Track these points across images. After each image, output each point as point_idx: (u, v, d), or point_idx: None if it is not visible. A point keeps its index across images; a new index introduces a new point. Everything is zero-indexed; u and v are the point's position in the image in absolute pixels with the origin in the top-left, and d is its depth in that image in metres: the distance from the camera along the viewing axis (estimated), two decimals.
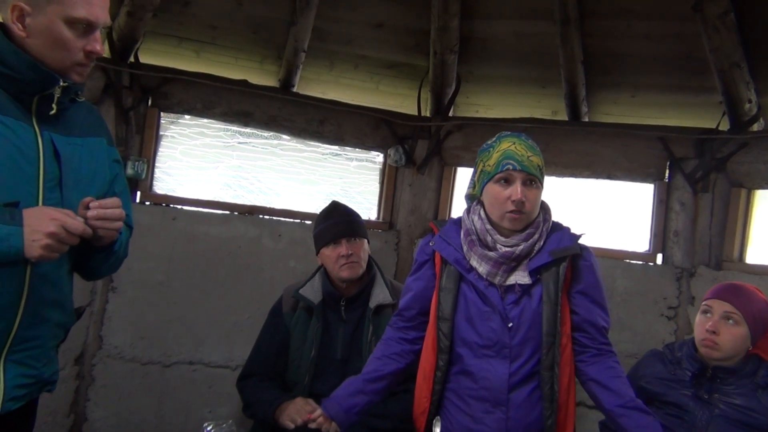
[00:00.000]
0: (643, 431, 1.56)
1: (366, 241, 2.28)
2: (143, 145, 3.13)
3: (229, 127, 3.33)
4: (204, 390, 3.11)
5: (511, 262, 1.65)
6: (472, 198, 1.78)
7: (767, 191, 3.05)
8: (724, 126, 3.06)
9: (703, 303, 1.98)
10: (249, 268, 3.18)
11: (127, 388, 3.01)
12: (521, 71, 3.44)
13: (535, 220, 1.69)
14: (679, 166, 3.10)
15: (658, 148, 3.14)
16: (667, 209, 3.14)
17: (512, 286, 1.65)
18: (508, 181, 1.64)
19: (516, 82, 3.49)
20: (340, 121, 3.42)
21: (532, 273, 1.65)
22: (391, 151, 3.48)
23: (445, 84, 3.44)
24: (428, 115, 3.55)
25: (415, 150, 3.51)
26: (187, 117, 3.25)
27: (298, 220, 3.34)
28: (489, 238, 1.67)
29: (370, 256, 2.30)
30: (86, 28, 1.34)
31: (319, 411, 1.78)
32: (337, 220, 2.26)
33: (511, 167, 1.63)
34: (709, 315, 1.93)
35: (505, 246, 1.65)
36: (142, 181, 3.10)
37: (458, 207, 3.57)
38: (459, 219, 1.78)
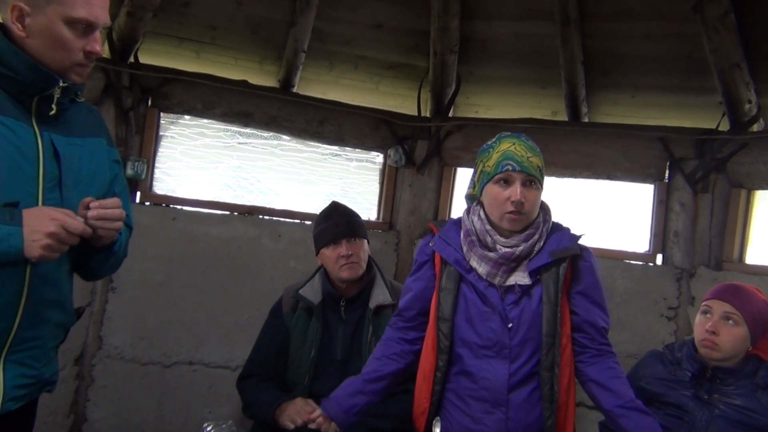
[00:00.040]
0: None
1: (366, 241, 2.28)
2: (143, 145, 3.13)
3: (229, 128, 3.33)
4: (204, 390, 3.10)
5: (511, 263, 1.65)
6: (472, 198, 1.78)
7: (767, 192, 3.05)
8: (724, 126, 3.06)
9: (703, 303, 1.97)
10: (249, 269, 3.18)
11: (127, 388, 3.01)
12: (521, 72, 3.44)
13: (534, 220, 1.69)
14: (679, 166, 3.09)
15: (658, 148, 3.14)
16: (667, 210, 3.14)
17: (512, 286, 1.65)
18: (507, 182, 1.64)
19: (516, 83, 3.49)
20: (340, 122, 3.42)
21: (532, 273, 1.65)
22: (391, 152, 3.48)
23: (445, 84, 3.44)
24: (428, 115, 3.54)
25: (415, 150, 3.51)
26: (187, 117, 3.26)
27: (298, 221, 3.34)
28: (489, 239, 1.67)
29: (370, 257, 2.30)
30: (86, 28, 1.34)
31: (318, 411, 1.78)
32: (337, 221, 2.25)
33: (510, 168, 1.63)
34: (708, 315, 1.93)
35: (504, 247, 1.65)
36: (142, 181, 3.10)
37: (458, 207, 3.56)
38: (459, 219, 1.78)
